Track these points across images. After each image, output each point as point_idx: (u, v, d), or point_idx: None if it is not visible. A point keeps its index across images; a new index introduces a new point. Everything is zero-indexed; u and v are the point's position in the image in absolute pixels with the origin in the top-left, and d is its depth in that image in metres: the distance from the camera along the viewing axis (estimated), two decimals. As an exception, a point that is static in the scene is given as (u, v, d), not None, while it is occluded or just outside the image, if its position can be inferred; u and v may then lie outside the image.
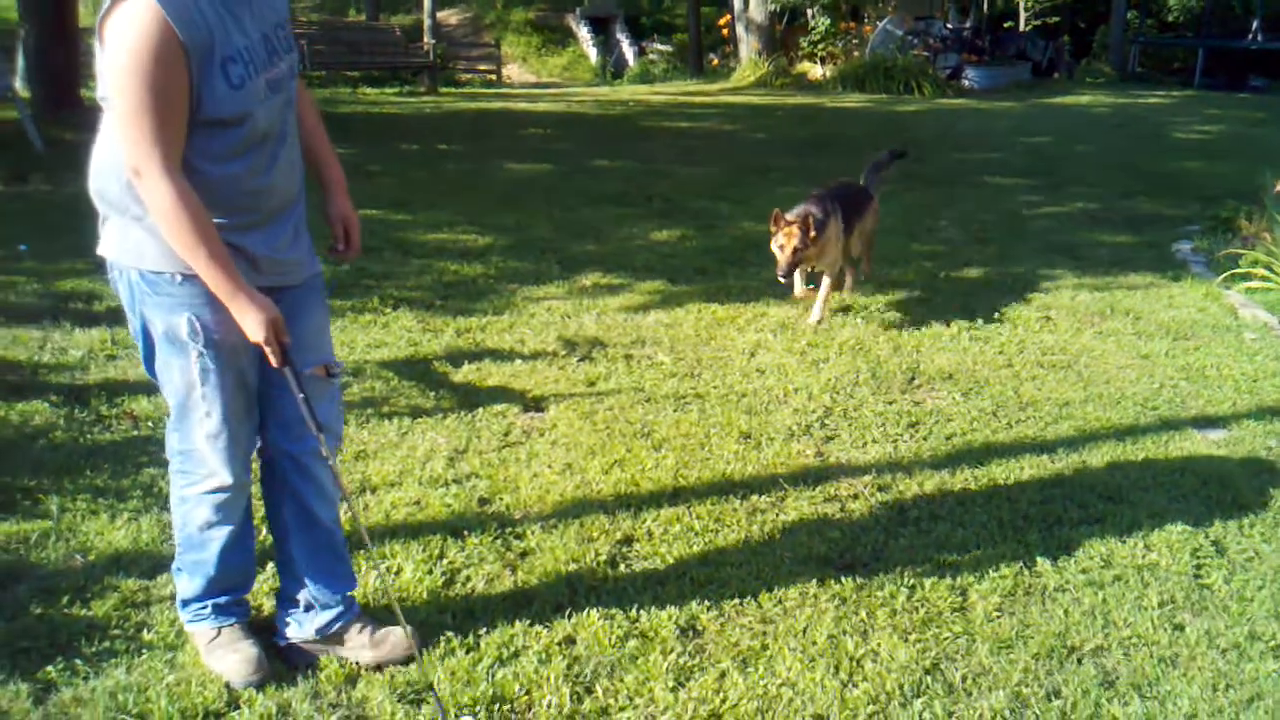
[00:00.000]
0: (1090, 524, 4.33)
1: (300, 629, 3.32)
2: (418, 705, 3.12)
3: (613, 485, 4.55)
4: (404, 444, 4.85)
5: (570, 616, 3.59)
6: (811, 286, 7.14)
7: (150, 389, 4.89)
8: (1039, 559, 4.03)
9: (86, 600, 3.49)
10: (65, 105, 13.71)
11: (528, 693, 3.20)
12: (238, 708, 3.06)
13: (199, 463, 3.02)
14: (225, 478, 3.03)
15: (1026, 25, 29.18)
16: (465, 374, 5.80)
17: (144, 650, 3.28)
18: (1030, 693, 3.29)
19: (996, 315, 7.08)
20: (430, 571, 3.81)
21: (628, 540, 4.12)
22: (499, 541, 4.04)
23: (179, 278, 2.77)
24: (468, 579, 3.80)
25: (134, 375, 5.30)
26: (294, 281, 3.03)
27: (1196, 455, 4.99)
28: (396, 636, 3.32)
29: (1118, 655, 3.50)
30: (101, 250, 2.88)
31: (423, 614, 3.55)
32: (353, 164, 11.41)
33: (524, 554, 3.99)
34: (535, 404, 5.43)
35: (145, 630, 3.40)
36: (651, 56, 29.30)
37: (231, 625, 3.26)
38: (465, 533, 4.08)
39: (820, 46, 25.09)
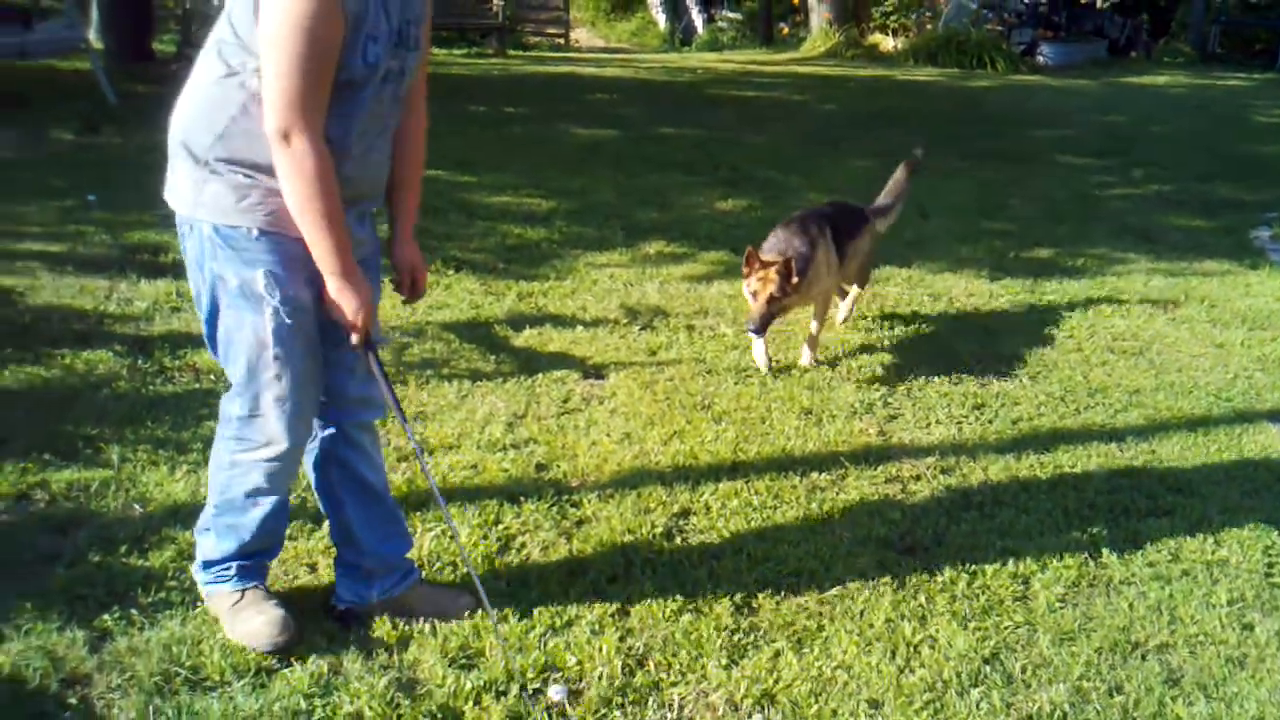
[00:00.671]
0: (1158, 516, 4.23)
1: (362, 595, 3.29)
2: (468, 669, 3.10)
3: (671, 456, 4.50)
4: (463, 407, 4.84)
5: (625, 588, 3.56)
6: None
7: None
8: (1104, 550, 3.94)
9: (144, 550, 3.50)
10: (138, 57, 13.77)
11: (579, 663, 3.17)
12: (289, 665, 3.05)
13: (259, 430, 2.96)
14: (284, 444, 2.97)
15: (1104, 2, 28.59)
16: (526, 339, 5.77)
17: (199, 603, 3.28)
18: (1091, 687, 3.21)
19: (1066, 297, 6.95)
20: (485, 537, 3.79)
21: (685, 513, 4.08)
22: (555, 509, 4.02)
23: (255, 232, 2.74)
24: (523, 545, 3.78)
25: (197, 329, 5.24)
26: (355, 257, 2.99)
27: (1271, 449, 4.85)
28: (456, 597, 3.35)
29: (1183, 653, 3.41)
30: (172, 203, 2.84)
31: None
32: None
33: (580, 522, 3.97)
34: (595, 371, 5.40)
35: (201, 583, 3.41)
36: (720, 24, 29.01)
37: (255, 587, 3.19)
38: (522, 499, 4.06)
39: (893, 18, 24.70)
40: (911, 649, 3.35)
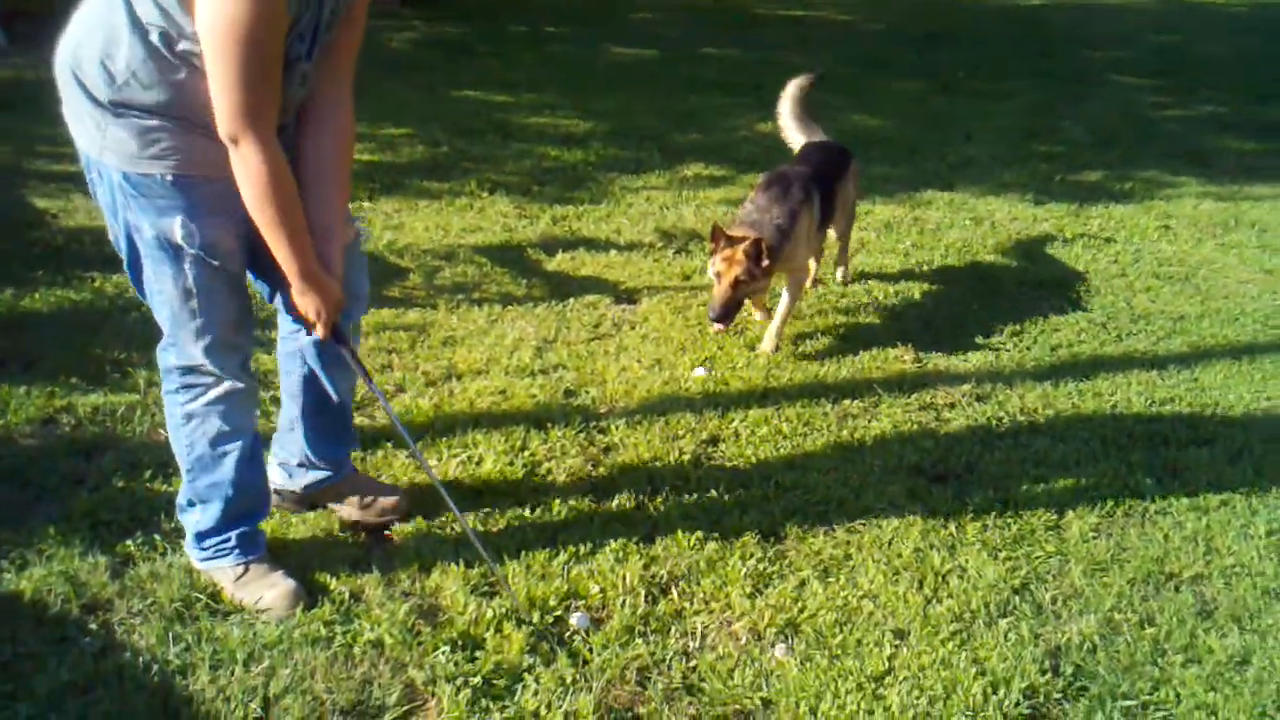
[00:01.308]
0: (1199, 445, 4.14)
1: (289, 480, 3.34)
2: (490, 596, 3.08)
3: (701, 382, 4.45)
4: (493, 332, 4.79)
5: (650, 516, 3.53)
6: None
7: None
8: (1141, 479, 3.87)
9: (168, 476, 3.49)
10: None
11: (602, 591, 3.14)
12: (310, 593, 3.05)
13: (200, 374, 2.86)
14: (228, 381, 2.88)
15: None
16: (559, 263, 5.71)
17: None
18: (1123, 619, 3.16)
19: (1113, 222, 6.79)
20: (512, 463, 3.76)
21: (713, 440, 4.04)
22: (582, 435, 3.98)
23: (168, 178, 2.58)
24: (548, 472, 3.75)
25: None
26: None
27: (1318, 378, 4.73)
28: (386, 501, 3.41)
29: (1218, 584, 3.35)
30: (74, 133, 2.64)
31: (501, 506, 3.51)
32: (461, 44, 11.35)
33: (607, 449, 3.93)
34: (628, 296, 5.33)
35: (225, 508, 3.41)
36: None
37: (258, 559, 3.08)
38: (549, 425, 4.03)
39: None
40: (940, 578, 3.30)
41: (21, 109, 7.37)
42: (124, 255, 2.73)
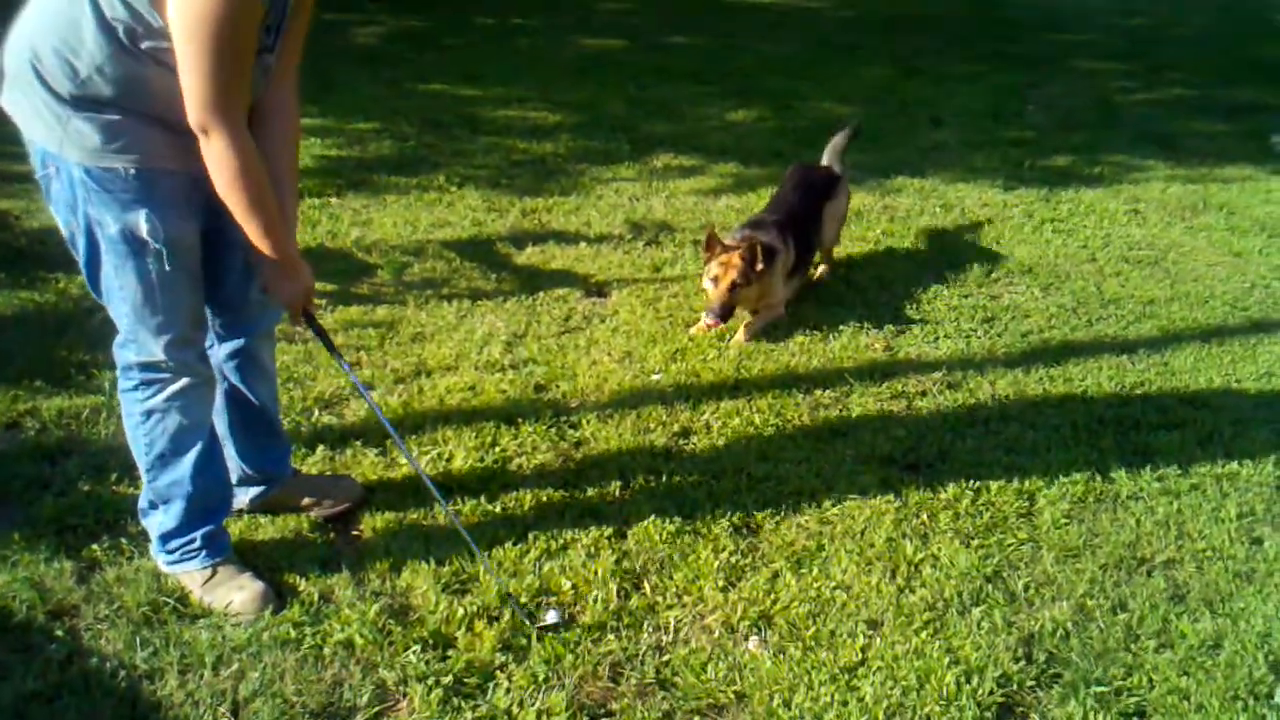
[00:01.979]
0: (1169, 429, 4.16)
1: (238, 499, 3.31)
2: (461, 594, 3.07)
3: (673, 375, 4.44)
4: (462, 327, 4.76)
5: (622, 510, 3.51)
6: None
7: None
8: (1113, 465, 3.88)
9: (134, 479, 3.42)
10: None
11: (575, 587, 3.13)
12: (279, 594, 3.02)
13: (159, 370, 2.83)
14: (185, 376, 2.86)
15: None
16: (528, 256, 5.68)
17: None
18: (1095, 605, 3.16)
19: (1082, 206, 6.80)
20: (482, 460, 3.74)
21: (685, 433, 4.02)
22: (553, 430, 3.96)
23: (131, 171, 2.56)
24: (519, 468, 3.73)
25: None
26: None
27: (1287, 360, 4.76)
28: (336, 481, 3.47)
29: (1190, 568, 3.36)
30: (24, 126, 2.60)
31: (471, 503, 3.49)
32: (428, 37, 11.26)
33: (578, 444, 3.91)
34: (598, 289, 5.31)
35: (193, 511, 3.37)
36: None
37: (225, 560, 3.05)
38: (519, 420, 4.00)
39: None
40: (912, 568, 3.30)
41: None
42: (81, 252, 2.70)
